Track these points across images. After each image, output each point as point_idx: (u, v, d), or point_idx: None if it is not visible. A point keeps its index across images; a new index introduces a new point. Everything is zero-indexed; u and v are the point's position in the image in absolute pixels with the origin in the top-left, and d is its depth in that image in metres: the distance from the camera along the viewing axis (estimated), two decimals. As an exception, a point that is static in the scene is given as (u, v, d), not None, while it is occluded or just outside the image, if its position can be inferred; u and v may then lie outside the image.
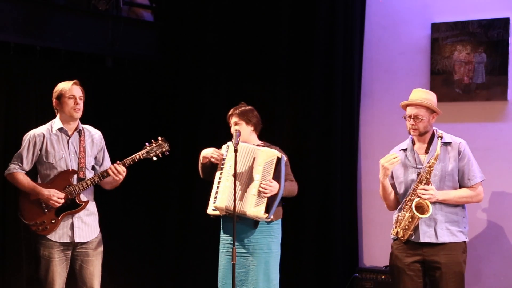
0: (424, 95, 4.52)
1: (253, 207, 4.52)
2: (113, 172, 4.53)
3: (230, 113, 4.81)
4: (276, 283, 4.69)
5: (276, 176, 4.57)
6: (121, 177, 4.58)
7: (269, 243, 4.65)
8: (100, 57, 6.47)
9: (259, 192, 4.52)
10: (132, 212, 6.64)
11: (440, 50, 5.75)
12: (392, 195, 4.57)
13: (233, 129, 4.75)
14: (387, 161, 4.41)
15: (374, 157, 6.07)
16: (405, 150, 4.58)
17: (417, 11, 5.90)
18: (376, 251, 6.07)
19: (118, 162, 4.57)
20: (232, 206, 4.47)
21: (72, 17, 6.11)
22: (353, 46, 6.05)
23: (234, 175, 4.44)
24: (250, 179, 4.57)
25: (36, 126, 4.71)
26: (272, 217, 4.58)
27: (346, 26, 6.07)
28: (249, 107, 4.83)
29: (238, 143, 4.49)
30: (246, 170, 4.59)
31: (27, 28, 5.74)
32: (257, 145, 4.76)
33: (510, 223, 5.52)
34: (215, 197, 4.61)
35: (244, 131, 4.73)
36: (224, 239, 4.73)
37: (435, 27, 5.77)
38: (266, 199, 4.52)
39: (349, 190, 6.09)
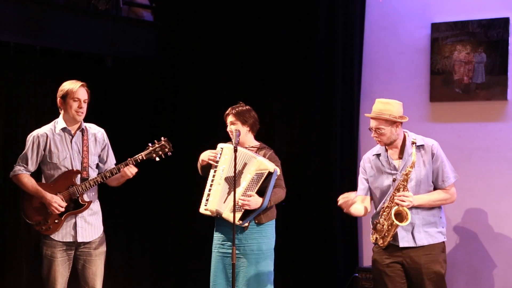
0: (382, 106, 4.40)
1: (229, 212, 4.51)
2: (126, 171, 4.55)
3: (227, 112, 4.78)
4: (269, 284, 4.67)
5: (262, 190, 4.55)
6: (130, 175, 4.60)
7: (260, 244, 4.64)
8: (100, 57, 6.47)
9: (238, 202, 4.52)
10: (133, 212, 6.65)
11: (440, 50, 5.74)
12: (367, 209, 4.56)
13: (229, 128, 4.73)
14: (344, 202, 4.39)
15: (374, 157, 6.08)
16: (378, 155, 4.53)
17: (417, 11, 5.90)
18: (376, 251, 6.06)
19: (129, 159, 4.57)
20: (222, 210, 4.53)
21: (72, 17, 6.11)
22: (353, 46, 6.05)
23: (234, 177, 4.42)
24: (237, 184, 4.55)
25: (36, 126, 4.71)
26: (246, 224, 4.59)
27: (346, 26, 6.07)
28: (247, 107, 4.79)
29: (238, 143, 4.48)
30: (236, 175, 4.56)
31: (27, 28, 5.74)
32: (253, 146, 4.75)
33: (510, 223, 5.52)
34: (207, 200, 4.63)
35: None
36: (216, 239, 4.74)
37: (435, 27, 5.77)
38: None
39: (349, 190, 6.07)
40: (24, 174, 4.54)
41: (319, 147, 6.09)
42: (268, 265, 4.70)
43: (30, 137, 4.58)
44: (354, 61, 6.06)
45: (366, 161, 4.61)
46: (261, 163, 4.55)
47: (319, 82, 6.11)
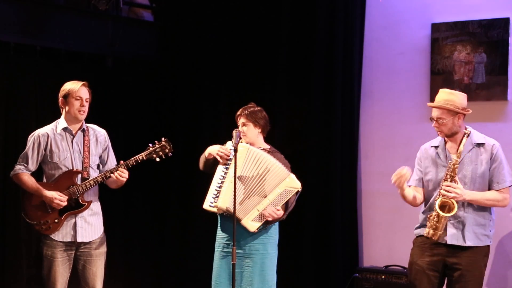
0: (446, 96, 4.37)
1: (250, 220, 4.51)
2: (117, 175, 4.53)
3: (238, 113, 4.74)
4: (272, 284, 4.67)
5: (286, 204, 4.59)
6: (124, 179, 4.57)
7: (265, 244, 4.64)
8: (100, 57, 6.48)
9: (263, 213, 4.53)
10: (133, 212, 6.65)
11: (440, 50, 5.75)
12: (417, 198, 4.46)
13: (240, 129, 4.70)
14: (397, 179, 4.31)
15: (374, 157, 6.09)
16: (436, 147, 4.47)
17: (417, 11, 5.90)
18: (376, 251, 6.07)
19: (122, 162, 4.57)
20: (237, 213, 4.48)
21: (72, 17, 6.12)
22: (353, 46, 6.05)
23: (234, 177, 4.41)
24: (260, 192, 4.54)
25: (36, 126, 4.72)
26: (257, 230, 4.60)
27: (346, 26, 6.07)
28: (258, 107, 4.76)
29: (238, 143, 4.46)
30: (254, 177, 4.55)
31: (27, 28, 5.74)
32: (263, 148, 4.71)
33: (510, 223, 5.51)
34: (217, 196, 4.57)
35: (251, 132, 4.68)
36: (220, 238, 4.71)
37: (435, 27, 5.77)
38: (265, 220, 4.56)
39: (349, 190, 6.09)
40: (24, 173, 4.54)
41: (319, 147, 6.09)
42: (272, 266, 4.69)
43: (31, 137, 4.59)
44: (354, 61, 6.06)
45: (423, 152, 4.53)
46: (292, 181, 4.57)
47: (319, 82, 6.11)
